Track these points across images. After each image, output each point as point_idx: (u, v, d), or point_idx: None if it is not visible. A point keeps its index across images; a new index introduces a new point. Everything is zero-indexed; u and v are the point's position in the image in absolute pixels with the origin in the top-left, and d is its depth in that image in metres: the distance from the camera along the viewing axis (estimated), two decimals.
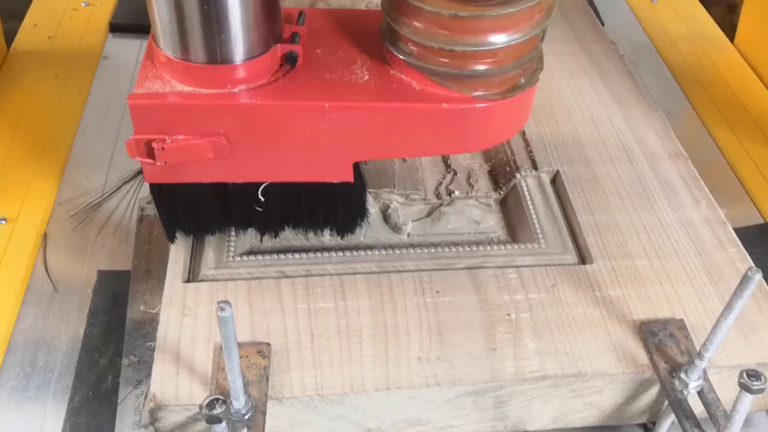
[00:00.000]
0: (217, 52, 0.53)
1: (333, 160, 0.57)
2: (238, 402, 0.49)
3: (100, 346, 0.67)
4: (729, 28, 1.21)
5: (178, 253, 0.62)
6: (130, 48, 1.06)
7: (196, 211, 0.62)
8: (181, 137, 0.54)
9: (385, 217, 0.71)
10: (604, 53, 0.91)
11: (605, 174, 0.72)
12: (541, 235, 0.66)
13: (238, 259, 0.63)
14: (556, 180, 0.73)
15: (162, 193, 0.60)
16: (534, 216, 0.68)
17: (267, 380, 0.52)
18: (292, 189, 0.60)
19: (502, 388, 0.55)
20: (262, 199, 0.59)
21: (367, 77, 0.56)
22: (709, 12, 1.26)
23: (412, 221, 0.71)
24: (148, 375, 0.64)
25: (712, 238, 0.66)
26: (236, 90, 0.54)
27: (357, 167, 0.60)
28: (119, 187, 0.64)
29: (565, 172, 0.73)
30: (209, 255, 0.63)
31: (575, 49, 0.92)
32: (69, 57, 1.02)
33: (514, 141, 0.77)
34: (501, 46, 0.53)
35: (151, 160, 0.54)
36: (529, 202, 0.70)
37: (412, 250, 0.65)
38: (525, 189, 0.71)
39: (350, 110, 0.54)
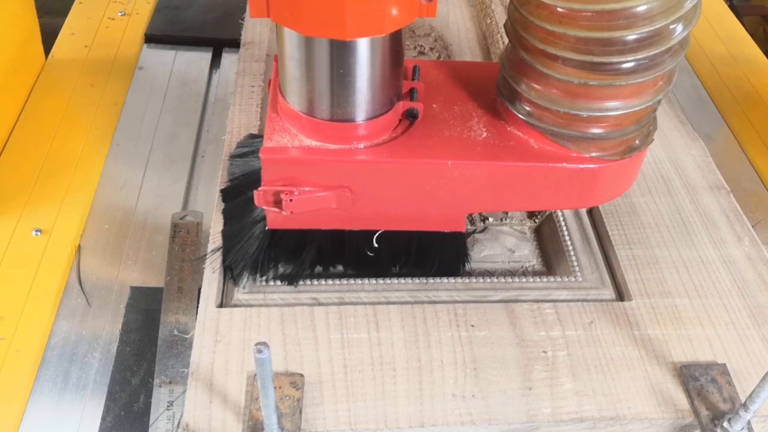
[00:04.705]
0: (346, 111, 0.55)
1: (448, 211, 0.59)
2: None
3: (133, 365, 0.67)
4: (764, 39, 1.18)
5: (211, 276, 0.62)
6: (165, 59, 1.06)
7: (312, 254, 0.63)
8: (307, 189, 0.56)
9: None
10: None
11: (644, 206, 0.71)
12: (577, 268, 0.65)
13: (272, 283, 0.63)
14: (593, 210, 0.72)
15: (278, 237, 0.61)
16: (570, 247, 0.67)
17: (300, 413, 0.52)
18: (405, 235, 0.62)
19: (538, 428, 0.54)
20: (376, 245, 0.61)
21: (485, 134, 0.57)
22: (743, 23, 1.23)
23: None
24: (180, 396, 0.64)
25: (755, 277, 0.64)
26: (361, 146, 0.56)
27: None
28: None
29: None
30: (243, 279, 0.62)
31: None
32: (105, 67, 1.03)
33: None
34: (624, 112, 0.53)
35: (277, 209, 0.56)
36: (566, 233, 0.69)
37: (445, 280, 0.64)
38: (561, 219, 0.70)
39: (471, 168, 0.56)
